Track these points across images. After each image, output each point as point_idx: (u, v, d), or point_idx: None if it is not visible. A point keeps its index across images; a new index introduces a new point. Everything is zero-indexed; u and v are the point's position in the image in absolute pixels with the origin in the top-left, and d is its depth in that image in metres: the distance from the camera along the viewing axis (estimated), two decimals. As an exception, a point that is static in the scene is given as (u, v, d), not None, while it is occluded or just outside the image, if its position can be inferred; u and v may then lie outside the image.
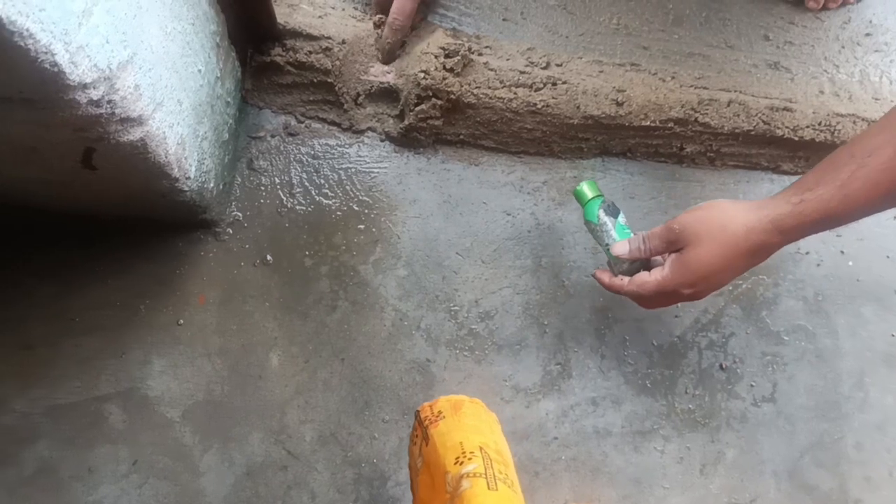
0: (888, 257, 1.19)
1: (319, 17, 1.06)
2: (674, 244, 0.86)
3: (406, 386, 1.02)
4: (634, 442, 1.05)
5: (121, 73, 0.61)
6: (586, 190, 0.97)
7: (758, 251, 0.82)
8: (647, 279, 0.88)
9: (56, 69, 0.51)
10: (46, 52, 0.49)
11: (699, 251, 0.83)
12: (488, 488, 0.67)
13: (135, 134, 0.68)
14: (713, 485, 1.05)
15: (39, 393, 0.96)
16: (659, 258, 0.91)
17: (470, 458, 0.70)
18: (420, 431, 0.78)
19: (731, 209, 0.83)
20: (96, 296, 1.00)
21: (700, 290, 0.86)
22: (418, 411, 0.80)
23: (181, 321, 1.00)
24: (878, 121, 0.77)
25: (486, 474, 0.68)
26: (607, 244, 0.94)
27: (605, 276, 0.95)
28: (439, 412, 0.78)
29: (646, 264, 0.92)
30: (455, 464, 0.70)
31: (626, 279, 0.92)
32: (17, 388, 0.95)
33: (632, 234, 0.93)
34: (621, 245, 0.92)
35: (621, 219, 0.95)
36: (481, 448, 0.72)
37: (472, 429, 0.76)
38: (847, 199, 0.75)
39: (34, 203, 0.96)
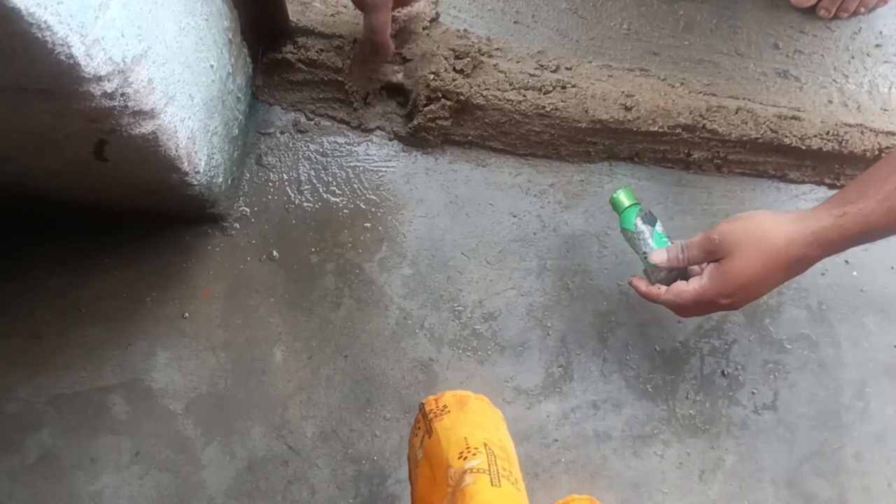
0: (893, 268, 1.19)
1: (331, 15, 1.07)
2: (713, 254, 0.86)
3: (408, 384, 1.03)
4: (634, 446, 1.06)
5: (135, 67, 0.61)
6: (623, 198, 0.97)
7: (797, 263, 0.81)
8: (685, 288, 0.88)
9: (72, 61, 0.52)
10: (63, 45, 0.50)
11: (738, 262, 0.82)
12: (491, 484, 0.67)
13: (146, 127, 0.68)
14: (712, 491, 1.06)
15: (45, 381, 0.96)
16: (696, 267, 0.91)
17: (474, 454, 0.70)
18: (423, 424, 0.78)
19: (771, 220, 0.82)
20: (104, 286, 1.00)
21: (737, 301, 0.86)
22: (423, 404, 0.80)
23: (186, 314, 1.01)
24: None
25: (489, 470, 0.68)
26: (644, 252, 0.94)
27: (642, 285, 0.94)
28: (444, 406, 0.78)
29: (683, 273, 0.92)
30: (458, 458, 0.70)
31: (664, 288, 0.91)
32: (22, 376, 0.96)
33: (669, 243, 0.93)
34: (659, 254, 0.92)
35: (658, 227, 0.95)
36: (486, 444, 0.72)
37: (476, 425, 0.76)
38: (890, 212, 0.75)
39: (47, 193, 0.97)
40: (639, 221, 0.95)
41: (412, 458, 0.78)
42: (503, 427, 0.80)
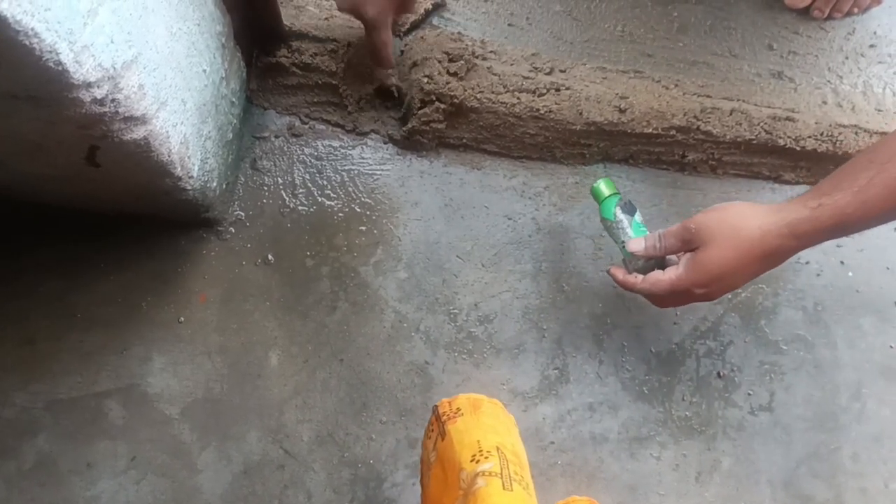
0: (888, 269, 1.19)
1: (325, 19, 1.07)
2: (689, 243, 0.86)
3: (404, 388, 1.03)
4: (631, 448, 1.06)
5: (125, 73, 0.61)
6: (603, 188, 0.98)
7: (772, 255, 0.82)
8: (661, 277, 0.88)
9: (60, 68, 0.52)
10: (51, 52, 0.50)
11: (713, 252, 0.83)
12: (503, 488, 0.67)
13: (138, 132, 0.69)
14: (708, 493, 1.05)
15: (40, 387, 0.96)
16: (674, 257, 0.92)
17: (486, 457, 0.70)
18: (437, 426, 0.78)
19: (747, 211, 0.83)
20: (99, 292, 1.00)
21: (712, 291, 0.86)
22: (436, 406, 0.80)
23: (182, 319, 1.01)
24: None
25: (501, 474, 0.68)
26: (623, 241, 0.95)
27: (620, 273, 0.95)
28: (458, 409, 0.78)
29: (660, 263, 0.93)
30: (471, 461, 0.70)
31: (640, 277, 0.92)
32: (18, 381, 0.96)
33: (647, 233, 0.94)
34: (637, 242, 0.93)
35: (638, 217, 0.96)
36: (498, 448, 0.72)
37: (489, 428, 0.76)
38: (864, 205, 0.75)
39: (41, 198, 0.97)
40: (618, 211, 0.95)
41: (424, 461, 0.78)
42: (515, 432, 0.80)
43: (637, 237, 0.93)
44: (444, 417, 0.77)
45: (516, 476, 0.69)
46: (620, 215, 0.95)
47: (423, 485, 0.77)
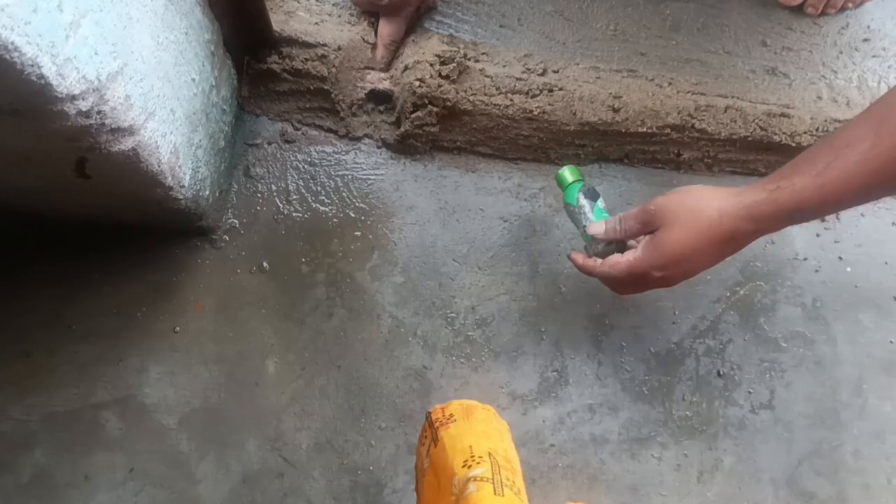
0: (886, 263, 1.18)
1: (315, 23, 1.07)
2: (649, 225, 0.86)
3: (402, 393, 1.02)
4: (631, 449, 1.05)
5: (110, 84, 0.61)
6: (567, 174, 0.98)
7: (730, 238, 0.81)
8: (619, 259, 0.88)
9: (43, 81, 0.51)
10: (33, 65, 0.49)
11: (671, 233, 0.82)
12: (494, 493, 0.66)
13: (126, 143, 0.68)
14: (710, 492, 1.05)
15: (36, 400, 0.96)
16: (633, 242, 0.91)
17: (478, 463, 0.70)
18: (430, 433, 0.77)
19: (707, 194, 0.82)
20: (94, 303, 1.00)
21: (670, 275, 0.85)
22: (429, 413, 0.80)
23: (178, 328, 1.00)
24: (860, 113, 0.76)
25: (493, 479, 0.68)
26: (584, 226, 0.94)
27: (580, 258, 0.95)
28: (450, 415, 0.78)
29: (621, 248, 0.92)
30: (463, 467, 0.70)
31: (600, 261, 0.91)
32: (14, 394, 0.96)
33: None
34: (597, 225, 0.92)
35: (600, 203, 0.95)
36: (490, 453, 0.71)
37: (482, 434, 0.75)
38: (822, 189, 0.74)
39: (32, 210, 0.96)
40: (580, 196, 0.96)
41: (419, 468, 0.78)
42: (508, 438, 0.80)
43: (598, 221, 0.93)
44: (437, 424, 0.77)
45: (508, 481, 0.69)
46: (583, 200, 0.95)
47: (418, 491, 0.77)
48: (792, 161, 0.78)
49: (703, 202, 0.81)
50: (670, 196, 0.84)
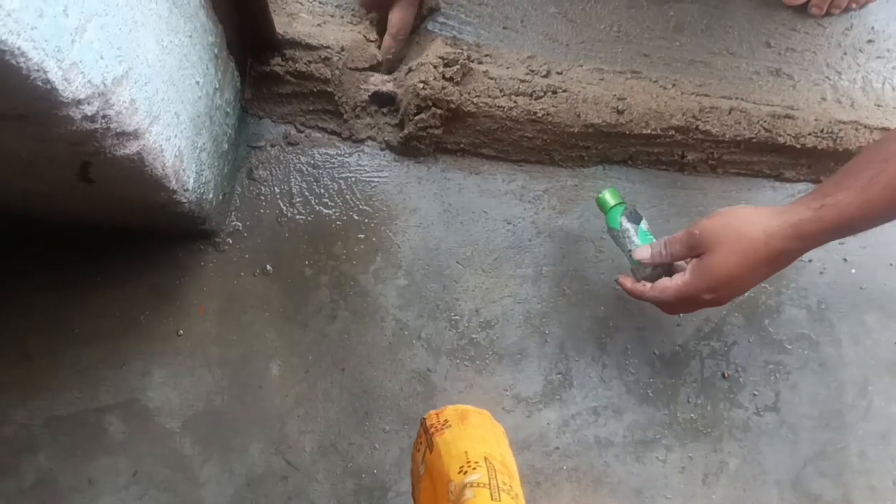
0: (891, 265, 1.18)
1: (318, 25, 1.06)
2: (694, 249, 0.86)
3: (406, 396, 1.02)
4: (636, 452, 1.05)
5: (116, 89, 0.61)
6: (608, 198, 0.98)
7: (777, 257, 0.82)
8: (669, 284, 0.88)
9: (49, 86, 0.51)
10: (39, 70, 0.49)
11: (719, 257, 0.83)
12: (491, 499, 0.66)
13: (131, 147, 0.68)
14: (716, 495, 1.05)
15: (39, 404, 0.96)
16: (682, 263, 0.92)
17: (474, 468, 0.70)
18: (425, 439, 0.77)
19: (751, 215, 0.83)
20: (96, 306, 0.99)
21: (721, 296, 0.86)
22: (424, 419, 0.80)
23: (181, 332, 1.00)
24: None
25: (489, 485, 0.68)
26: (629, 250, 0.95)
27: (628, 282, 0.95)
28: (445, 421, 0.78)
29: (668, 270, 0.93)
30: (459, 473, 0.70)
31: (649, 285, 0.92)
32: (16, 398, 0.95)
33: (654, 240, 0.94)
34: (643, 250, 0.93)
35: (644, 225, 0.96)
36: (486, 458, 0.71)
37: (477, 439, 0.75)
38: (867, 203, 0.75)
39: (35, 214, 0.96)
40: (624, 220, 0.96)
41: (415, 474, 0.78)
42: (504, 442, 0.80)
43: (643, 245, 0.93)
44: (432, 429, 0.77)
45: (504, 486, 0.68)
46: (626, 224, 0.96)
47: (415, 498, 0.77)
48: (833, 176, 0.79)
49: (749, 224, 0.82)
50: (714, 219, 0.85)
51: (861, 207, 0.75)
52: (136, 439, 0.96)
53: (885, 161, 0.74)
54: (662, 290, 0.89)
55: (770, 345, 1.12)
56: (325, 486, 0.98)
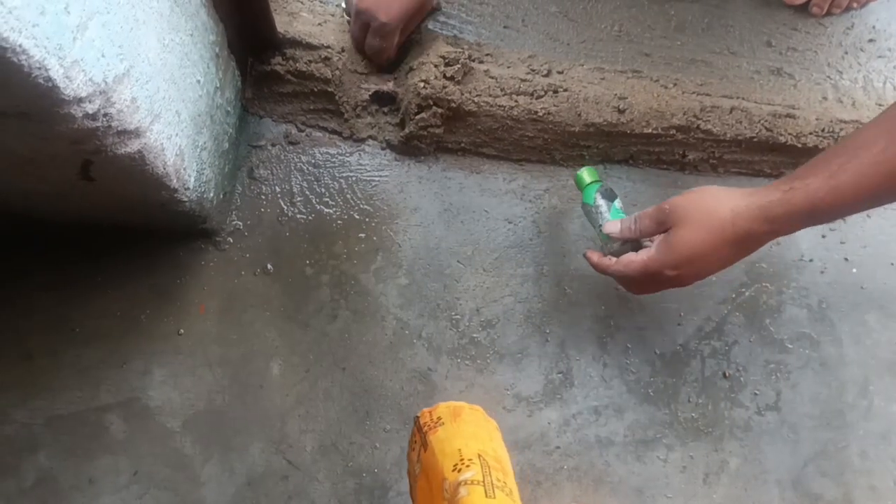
0: (892, 264, 1.18)
1: (318, 24, 1.06)
2: (663, 224, 0.86)
3: (407, 395, 1.02)
4: (637, 451, 1.05)
5: (117, 87, 0.61)
6: (585, 175, 1.00)
7: (744, 239, 0.81)
8: (633, 258, 0.88)
9: (50, 84, 0.51)
10: (40, 68, 0.49)
11: (685, 232, 0.82)
12: (486, 496, 0.66)
13: (132, 146, 0.68)
14: (717, 494, 1.05)
15: (40, 403, 0.95)
16: (648, 241, 0.91)
17: (468, 466, 0.69)
18: (419, 437, 0.77)
19: (721, 194, 0.83)
20: (97, 305, 0.99)
21: (684, 274, 0.85)
22: (417, 417, 0.80)
23: (182, 331, 1.00)
24: (876, 116, 0.76)
25: (483, 482, 0.68)
26: (601, 225, 0.96)
27: (595, 256, 0.96)
28: (438, 418, 0.78)
29: (636, 247, 0.93)
30: (453, 471, 0.69)
31: (614, 259, 0.92)
32: (17, 398, 0.95)
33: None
34: (613, 224, 0.93)
35: (617, 203, 0.97)
36: (480, 455, 0.71)
37: (471, 436, 0.75)
38: (835, 190, 0.74)
39: (36, 213, 0.96)
40: (598, 196, 0.98)
41: (411, 473, 0.78)
42: (498, 437, 0.79)
43: (614, 220, 0.93)
44: (426, 428, 0.77)
45: (499, 482, 0.68)
46: (600, 200, 0.97)
47: (412, 497, 0.77)
48: (808, 162, 0.79)
49: (718, 202, 0.81)
50: (685, 196, 0.85)
51: (829, 193, 0.75)
52: (136, 439, 0.96)
53: (857, 149, 0.74)
54: (627, 265, 0.89)
55: (771, 344, 1.12)
56: (326, 486, 0.98)
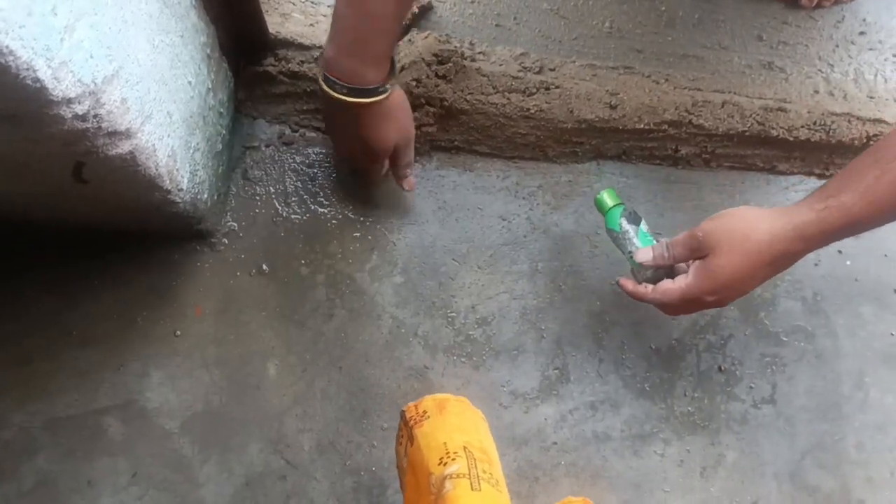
0: (886, 256, 1.18)
1: (310, 25, 1.07)
2: (697, 251, 0.86)
3: (404, 393, 1.02)
4: (634, 446, 1.05)
5: (106, 88, 0.61)
6: (607, 199, 0.97)
7: (781, 259, 0.82)
8: (671, 287, 0.88)
9: (39, 85, 0.51)
10: (28, 69, 0.49)
11: (722, 259, 0.82)
12: (471, 489, 0.66)
13: (123, 147, 0.68)
14: (714, 487, 1.05)
15: (38, 406, 0.96)
16: (683, 265, 0.91)
17: (453, 459, 0.70)
18: (405, 432, 0.77)
19: (754, 217, 0.83)
20: (93, 308, 1.00)
21: (723, 297, 0.86)
22: (403, 411, 0.80)
23: (178, 332, 1.00)
24: None
25: (469, 475, 0.68)
26: (630, 252, 0.94)
27: (629, 284, 0.95)
28: (424, 412, 0.78)
29: (669, 271, 0.92)
30: (439, 464, 0.70)
31: (650, 287, 0.91)
32: (15, 401, 0.96)
33: (654, 241, 0.94)
34: (644, 252, 0.92)
35: (643, 226, 0.95)
36: (465, 447, 0.71)
37: (455, 428, 0.75)
38: (871, 205, 0.75)
39: (30, 217, 0.96)
40: (623, 221, 0.95)
41: (400, 468, 0.78)
42: (484, 427, 0.80)
43: (644, 247, 0.93)
44: (412, 422, 0.77)
45: (485, 474, 0.68)
46: (626, 226, 0.95)
47: (402, 492, 0.77)
48: (836, 176, 0.79)
49: (751, 226, 0.82)
50: (717, 220, 0.85)
51: (864, 208, 0.75)
52: (135, 440, 0.96)
53: (889, 161, 0.74)
54: (665, 293, 0.89)
55: (766, 337, 1.12)
56: (324, 485, 0.98)
